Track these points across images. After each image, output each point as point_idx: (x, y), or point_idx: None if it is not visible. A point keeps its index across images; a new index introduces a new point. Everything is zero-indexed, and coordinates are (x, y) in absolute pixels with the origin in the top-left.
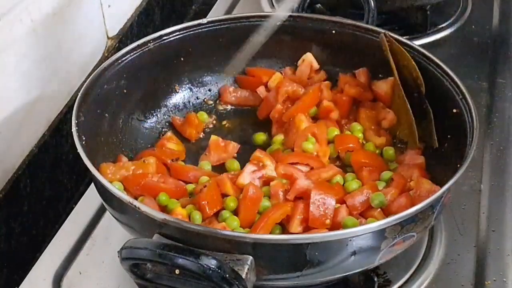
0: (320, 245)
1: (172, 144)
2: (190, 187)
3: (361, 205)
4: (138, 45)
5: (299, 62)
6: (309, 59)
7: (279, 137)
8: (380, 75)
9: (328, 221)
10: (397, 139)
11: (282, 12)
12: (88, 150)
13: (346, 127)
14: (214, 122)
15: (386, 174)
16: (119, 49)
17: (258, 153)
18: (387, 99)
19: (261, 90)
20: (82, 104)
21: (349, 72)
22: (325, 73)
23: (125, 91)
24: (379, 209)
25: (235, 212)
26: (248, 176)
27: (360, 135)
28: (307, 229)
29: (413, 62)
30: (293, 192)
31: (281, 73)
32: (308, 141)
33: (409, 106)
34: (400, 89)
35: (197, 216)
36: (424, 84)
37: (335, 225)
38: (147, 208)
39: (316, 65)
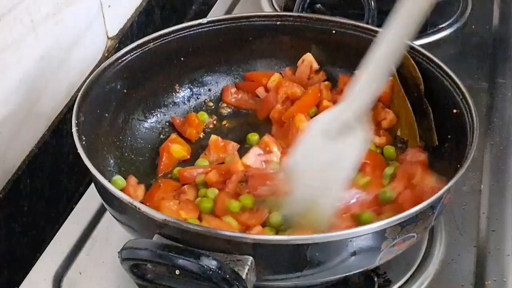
0: (320, 245)
1: (177, 145)
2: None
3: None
4: (138, 45)
5: (299, 62)
6: (309, 60)
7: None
8: None
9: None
10: (397, 139)
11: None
12: (88, 150)
13: None
14: (215, 122)
15: (389, 170)
16: (119, 49)
17: (266, 138)
18: (386, 99)
19: (260, 91)
20: (82, 104)
21: (349, 73)
22: (325, 73)
23: (125, 91)
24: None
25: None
26: (253, 157)
27: None
28: None
29: (412, 61)
30: None
31: (281, 73)
32: None
33: (409, 105)
34: (400, 89)
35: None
36: (424, 84)
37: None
38: (147, 208)
39: (316, 65)
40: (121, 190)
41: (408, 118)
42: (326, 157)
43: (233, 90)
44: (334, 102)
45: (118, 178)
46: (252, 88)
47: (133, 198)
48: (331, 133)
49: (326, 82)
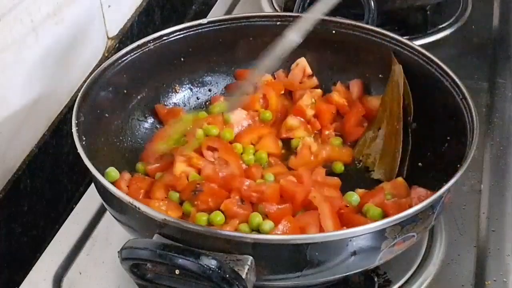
0: (320, 245)
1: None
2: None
3: None
4: (138, 45)
5: (293, 65)
6: (302, 64)
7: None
8: (380, 75)
9: None
10: (363, 160)
11: (312, 15)
12: (88, 150)
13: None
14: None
15: (351, 195)
16: (119, 49)
17: None
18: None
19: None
20: (82, 104)
21: (348, 73)
22: (318, 79)
23: (125, 91)
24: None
25: None
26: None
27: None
28: None
29: (408, 89)
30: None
31: (273, 75)
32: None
33: (401, 142)
34: (400, 121)
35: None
36: (424, 84)
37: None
38: (147, 208)
39: (309, 70)
40: (113, 182)
41: (395, 153)
42: None
43: (221, 99)
44: (318, 109)
45: (111, 169)
46: None
47: (124, 191)
48: None
49: (318, 90)
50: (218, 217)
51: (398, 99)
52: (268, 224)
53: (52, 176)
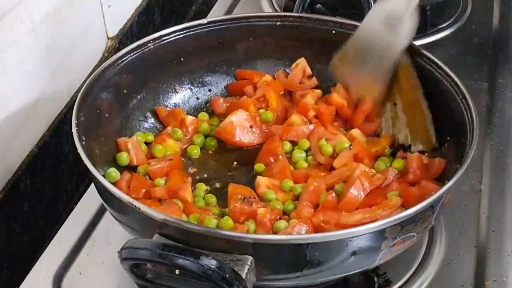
0: (320, 245)
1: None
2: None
3: None
4: (138, 45)
5: (293, 66)
6: (302, 64)
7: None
8: None
9: None
10: (396, 140)
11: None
12: (88, 150)
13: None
14: (215, 123)
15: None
16: (119, 49)
17: None
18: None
19: (248, 89)
20: (82, 104)
21: None
22: (317, 79)
23: (125, 91)
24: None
25: None
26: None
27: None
28: None
29: (410, 69)
30: None
31: (273, 75)
32: None
33: (426, 107)
34: (418, 89)
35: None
36: (424, 84)
37: None
38: (147, 208)
39: (309, 71)
40: (114, 182)
41: (422, 121)
42: (382, 42)
43: (221, 100)
44: (324, 108)
45: (112, 170)
46: (243, 87)
47: (125, 192)
48: (391, 21)
49: (318, 90)
50: (228, 221)
51: (406, 74)
52: (283, 224)
53: (52, 176)
